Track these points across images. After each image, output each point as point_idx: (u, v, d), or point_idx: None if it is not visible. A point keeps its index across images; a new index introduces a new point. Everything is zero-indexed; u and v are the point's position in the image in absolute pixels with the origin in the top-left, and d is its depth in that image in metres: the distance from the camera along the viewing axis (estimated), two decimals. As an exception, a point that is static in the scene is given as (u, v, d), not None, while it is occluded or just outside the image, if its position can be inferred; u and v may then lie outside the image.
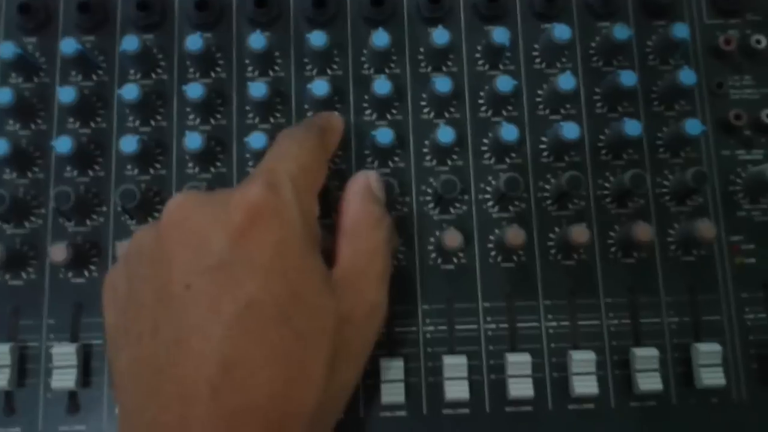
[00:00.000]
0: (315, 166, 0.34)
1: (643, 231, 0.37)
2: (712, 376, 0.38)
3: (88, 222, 0.40)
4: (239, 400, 0.27)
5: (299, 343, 0.29)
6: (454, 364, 0.38)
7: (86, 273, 0.40)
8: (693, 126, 0.38)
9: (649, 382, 0.37)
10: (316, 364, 0.29)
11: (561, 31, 0.39)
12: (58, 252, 0.37)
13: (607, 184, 0.40)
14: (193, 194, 0.32)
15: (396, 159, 0.41)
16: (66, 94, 0.39)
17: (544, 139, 0.41)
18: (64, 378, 0.38)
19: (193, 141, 0.38)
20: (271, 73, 0.42)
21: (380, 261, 0.34)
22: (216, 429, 0.27)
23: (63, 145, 0.38)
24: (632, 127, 0.38)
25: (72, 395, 0.39)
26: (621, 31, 0.39)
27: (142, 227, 0.33)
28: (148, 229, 0.32)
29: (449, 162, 0.41)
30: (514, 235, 0.37)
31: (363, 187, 0.35)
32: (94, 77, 0.42)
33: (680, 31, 0.40)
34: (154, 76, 0.42)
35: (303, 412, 0.29)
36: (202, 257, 0.29)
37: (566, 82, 0.39)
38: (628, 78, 0.39)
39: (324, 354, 0.29)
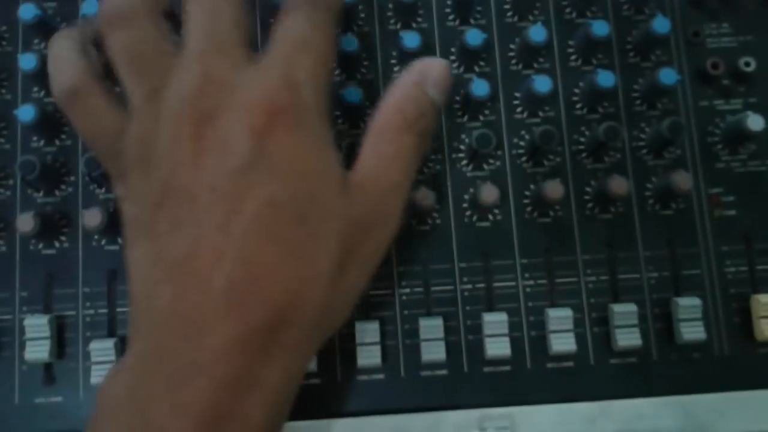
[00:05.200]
0: (331, 56, 0.33)
1: (618, 184, 0.36)
2: (692, 331, 0.37)
3: (56, 192, 0.40)
4: (254, 293, 0.28)
5: (312, 243, 0.29)
6: (431, 326, 0.37)
7: (57, 244, 0.39)
8: (668, 75, 0.37)
9: (628, 337, 0.37)
10: (326, 263, 0.29)
11: (532, -17, 0.38)
12: (24, 222, 0.37)
13: (582, 139, 0.39)
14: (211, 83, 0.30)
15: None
16: (27, 61, 0.38)
17: (517, 94, 0.40)
18: (38, 350, 0.37)
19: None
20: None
21: (399, 169, 0.32)
22: (229, 317, 0.28)
23: (27, 113, 0.38)
24: (606, 79, 0.37)
25: (47, 367, 0.38)
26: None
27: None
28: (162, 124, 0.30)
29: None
30: (553, 188, 0.36)
31: (411, 82, 0.33)
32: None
33: (654, -22, 0.39)
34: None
35: (311, 306, 0.29)
36: (227, 158, 0.29)
37: (537, 34, 0.38)
38: (599, 27, 0.38)
39: (334, 254, 0.30)
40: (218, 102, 0.30)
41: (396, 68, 0.40)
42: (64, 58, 0.33)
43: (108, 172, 0.33)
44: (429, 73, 0.33)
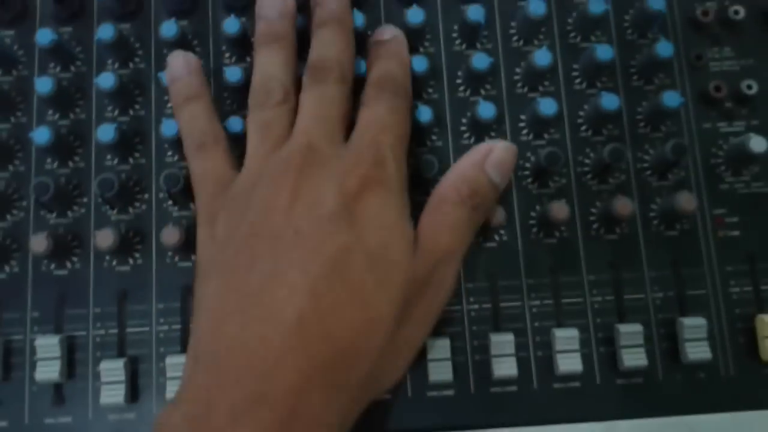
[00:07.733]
0: (407, 133, 0.37)
1: (623, 205, 0.37)
2: (697, 350, 0.37)
3: (69, 213, 0.40)
4: (320, 330, 0.30)
5: (378, 290, 0.32)
6: (438, 346, 0.37)
7: (68, 264, 0.39)
8: (671, 98, 0.38)
9: (634, 357, 0.37)
10: (388, 309, 0.32)
11: (536, 7, 0.39)
12: (38, 242, 0.37)
13: (587, 161, 0.40)
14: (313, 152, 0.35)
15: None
16: (43, 85, 0.39)
17: (522, 117, 0.41)
18: (49, 370, 0.38)
19: (170, 128, 0.38)
20: (248, 59, 0.42)
21: (453, 239, 0.35)
22: (294, 351, 0.30)
23: (41, 135, 0.38)
24: (609, 101, 0.38)
25: (57, 387, 0.38)
26: (596, 5, 0.39)
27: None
28: (261, 174, 0.35)
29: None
30: (559, 208, 0.37)
31: (472, 161, 0.36)
32: (72, 68, 0.42)
33: (656, 2, 0.39)
34: (131, 65, 0.42)
35: (371, 349, 0.32)
36: (316, 208, 0.32)
37: (542, 58, 0.38)
38: (604, 52, 0.38)
39: (396, 303, 0.32)
40: (317, 167, 0.34)
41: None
42: (199, 118, 0.38)
43: (198, 216, 0.37)
44: (490, 154, 0.36)
